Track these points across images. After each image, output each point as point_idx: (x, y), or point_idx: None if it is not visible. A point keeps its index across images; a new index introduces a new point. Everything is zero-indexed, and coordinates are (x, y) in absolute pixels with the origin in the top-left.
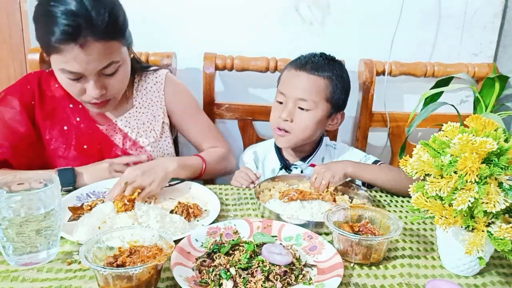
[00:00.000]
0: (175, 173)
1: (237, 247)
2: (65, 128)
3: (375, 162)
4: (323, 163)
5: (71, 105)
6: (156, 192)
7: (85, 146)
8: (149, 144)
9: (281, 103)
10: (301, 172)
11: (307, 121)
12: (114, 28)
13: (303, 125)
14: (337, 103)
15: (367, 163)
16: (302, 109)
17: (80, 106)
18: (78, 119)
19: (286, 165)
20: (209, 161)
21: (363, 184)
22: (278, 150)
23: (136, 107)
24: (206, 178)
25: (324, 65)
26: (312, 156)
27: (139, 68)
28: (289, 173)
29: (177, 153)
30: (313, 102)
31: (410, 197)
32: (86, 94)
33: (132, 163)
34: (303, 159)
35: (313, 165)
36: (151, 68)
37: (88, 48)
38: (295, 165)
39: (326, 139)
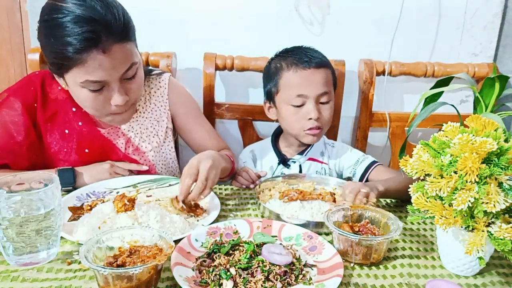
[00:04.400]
0: (221, 169)
1: (237, 247)
2: (67, 131)
3: (373, 163)
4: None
5: (74, 109)
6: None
7: (86, 150)
8: (151, 149)
9: (298, 106)
10: (300, 166)
11: (330, 111)
12: (129, 28)
13: (328, 116)
14: (336, 85)
15: (362, 165)
16: (322, 103)
17: (83, 110)
18: (80, 123)
19: (284, 160)
20: (230, 155)
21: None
22: (276, 146)
23: (140, 112)
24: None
25: (321, 56)
26: (309, 149)
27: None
28: (287, 168)
29: (178, 156)
30: (330, 92)
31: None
32: (111, 104)
33: (135, 171)
34: (301, 153)
35: (311, 159)
36: (154, 72)
37: (111, 52)
38: (293, 159)
39: (324, 137)
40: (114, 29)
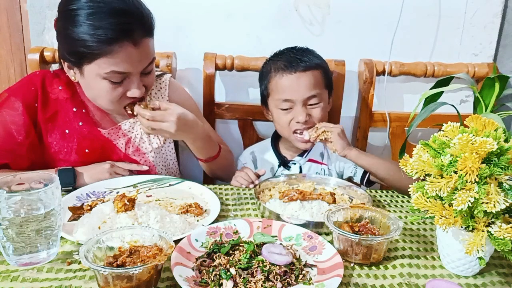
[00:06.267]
0: (204, 133)
1: (237, 247)
2: (67, 131)
3: None
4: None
5: (74, 109)
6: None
7: (86, 150)
8: (152, 150)
9: (286, 109)
10: (300, 167)
11: (321, 114)
12: (154, 24)
13: (319, 117)
14: (330, 85)
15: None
16: (312, 105)
17: (84, 110)
18: (80, 123)
19: (284, 162)
20: (222, 147)
21: (361, 181)
22: (276, 148)
23: None
24: (215, 168)
25: (310, 57)
26: (309, 150)
27: None
28: (288, 169)
29: (178, 157)
30: (319, 94)
31: (409, 195)
32: (126, 97)
33: (135, 171)
34: (301, 155)
35: (311, 160)
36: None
37: (140, 46)
38: (293, 161)
39: None
40: (145, 24)
